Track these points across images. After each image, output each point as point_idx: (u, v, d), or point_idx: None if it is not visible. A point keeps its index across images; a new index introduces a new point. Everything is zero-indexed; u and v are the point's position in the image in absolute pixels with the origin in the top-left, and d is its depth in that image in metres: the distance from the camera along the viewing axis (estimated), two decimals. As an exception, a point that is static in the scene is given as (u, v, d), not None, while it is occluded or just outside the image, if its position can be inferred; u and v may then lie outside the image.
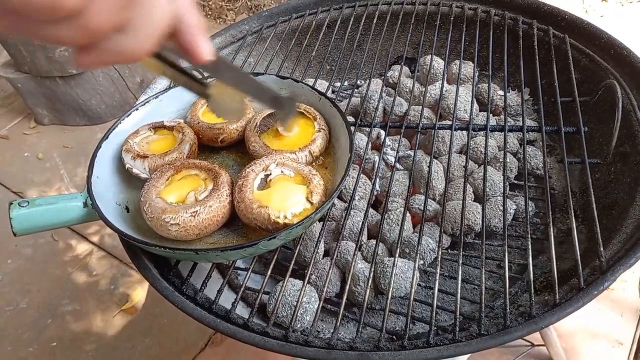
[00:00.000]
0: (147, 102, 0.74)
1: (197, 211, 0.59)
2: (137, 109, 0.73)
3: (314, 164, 0.71)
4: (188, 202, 0.62)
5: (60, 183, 1.90)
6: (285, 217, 0.60)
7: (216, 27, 2.81)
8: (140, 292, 1.50)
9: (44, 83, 1.97)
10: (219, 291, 0.62)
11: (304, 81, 0.77)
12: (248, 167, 0.65)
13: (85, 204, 0.62)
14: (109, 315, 1.47)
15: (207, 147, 0.75)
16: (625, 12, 2.38)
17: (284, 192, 0.62)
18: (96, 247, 1.66)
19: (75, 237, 1.70)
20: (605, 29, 0.85)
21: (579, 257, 0.57)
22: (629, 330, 1.28)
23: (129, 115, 0.72)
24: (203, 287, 0.63)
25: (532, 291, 0.56)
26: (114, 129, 0.71)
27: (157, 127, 0.73)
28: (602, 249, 0.58)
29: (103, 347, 1.39)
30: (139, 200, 0.65)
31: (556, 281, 0.56)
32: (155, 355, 1.35)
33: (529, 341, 1.24)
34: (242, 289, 0.62)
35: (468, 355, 1.02)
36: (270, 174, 0.65)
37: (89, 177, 0.64)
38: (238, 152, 0.75)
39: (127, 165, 0.68)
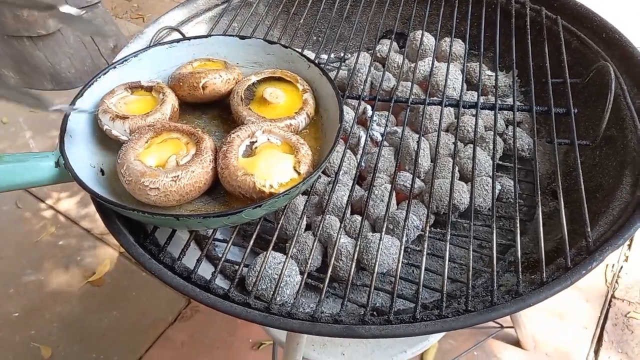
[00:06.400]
0: (126, 60, 0.70)
1: (178, 176, 0.56)
2: (114, 67, 0.69)
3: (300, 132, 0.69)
4: (169, 167, 0.58)
5: (25, 149, 1.82)
6: (271, 186, 0.57)
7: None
8: (107, 264, 1.45)
9: (11, 43, 1.87)
10: (198, 260, 0.59)
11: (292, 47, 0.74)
12: (233, 133, 0.61)
13: (57, 164, 0.58)
14: (75, 286, 1.42)
15: (189, 112, 0.72)
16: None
17: (271, 161, 0.59)
18: (62, 216, 1.60)
19: (41, 205, 1.63)
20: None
21: (566, 236, 0.57)
22: (593, 315, 1.32)
23: (105, 73, 0.68)
24: (181, 256, 0.60)
25: (520, 269, 0.55)
26: (89, 86, 0.66)
27: (134, 87, 0.69)
28: (589, 229, 0.58)
29: (68, 319, 1.35)
30: (115, 163, 0.61)
31: (543, 260, 0.56)
32: (123, 328, 1.32)
33: (498, 323, 1.26)
34: (221, 261, 0.60)
35: (441, 336, 1.04)
36: (256, 141, 0.62)
37: (61, 135, 0.60)
38: (222, 117, 0.72)
39: (105, 127, 0.63)
